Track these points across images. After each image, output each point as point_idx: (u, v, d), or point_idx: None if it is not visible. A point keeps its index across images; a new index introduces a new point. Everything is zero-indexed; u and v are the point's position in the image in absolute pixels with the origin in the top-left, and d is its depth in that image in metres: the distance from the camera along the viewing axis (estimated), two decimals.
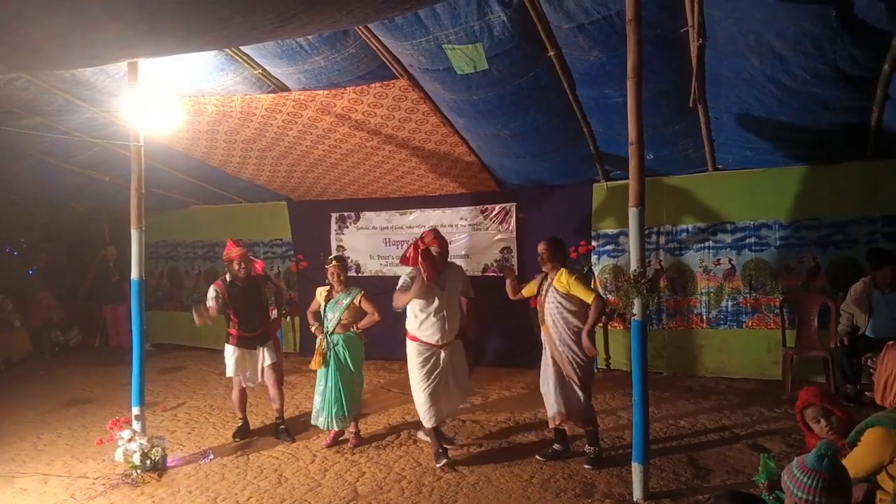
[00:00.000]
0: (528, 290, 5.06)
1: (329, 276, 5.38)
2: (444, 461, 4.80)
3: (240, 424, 5.74)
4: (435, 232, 5.01)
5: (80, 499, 4.48)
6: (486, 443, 5.31)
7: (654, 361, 7.08)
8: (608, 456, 4.85)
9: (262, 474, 4.82)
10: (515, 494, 4.30)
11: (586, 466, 4.66)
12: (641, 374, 3.99)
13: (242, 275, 5.51)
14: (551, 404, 4.78)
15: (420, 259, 4.78)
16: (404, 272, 5.03)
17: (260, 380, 5.68)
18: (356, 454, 5.14)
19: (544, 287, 4.85)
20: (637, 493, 4.05)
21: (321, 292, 5.48)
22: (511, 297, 5.19)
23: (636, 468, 4.05)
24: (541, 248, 4.83)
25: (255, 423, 5.98)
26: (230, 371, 5.59)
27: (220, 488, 4.58)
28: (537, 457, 4.91)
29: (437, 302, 4.86)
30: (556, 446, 4.95)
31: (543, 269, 4.86)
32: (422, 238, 4.93)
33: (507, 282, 5.18)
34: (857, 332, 5.83)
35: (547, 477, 4.53)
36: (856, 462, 2.73)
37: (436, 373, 4.91)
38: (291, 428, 5.76)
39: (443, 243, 4.96)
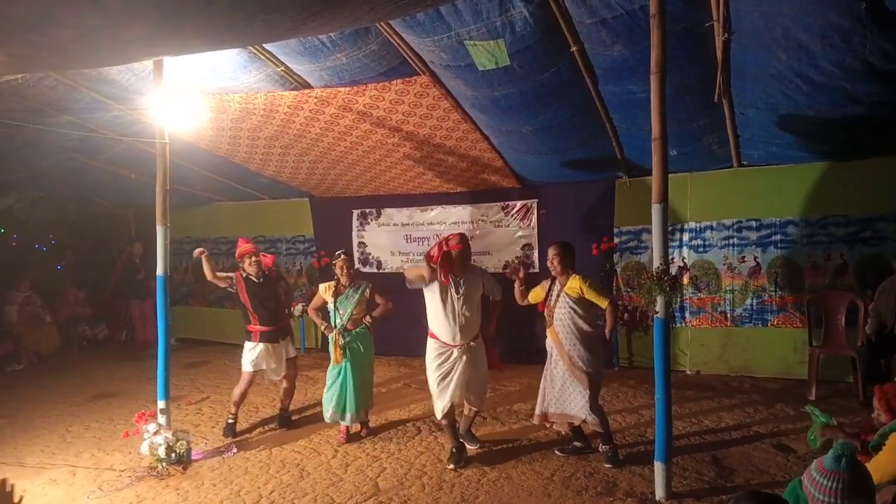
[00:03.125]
0: (535, 295, 5.00)
1: (337, 270, 5.45)
2: (453, 464, 4.79)
3: (231, 422, 5.69)
4: (461, 236, 4.94)
5: (106, 490, 4.56)
6: (507, 439, 5.30)
7: (677, 359, 7.02)
8: (628, 454, 4.83)
9: (285, 468, 4.86)
10: (536, 492, 4.29)
11: (607, 465, 4.64)
12: (664, 372, 3.96)
13: (254, 270, 5.64)
14: (540, 403, 4.90)
15: (440, 260, 4.80)
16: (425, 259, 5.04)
17: (285, 372, 5.75)
18: (377, 450, 5.17)
19: (553, 292, 4.85)
20: (659, 493, 4.02)
21: (326, 288, 5.52)
22: (519, 302, 5.05)
23: (658, 467, 4.02)
24: (551, 253, 4.81)
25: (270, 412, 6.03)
26: (248, 366, 5.62)
27: (244, 482, 4.64)
28: (556, 452, 4.92)
29: (450, 304, 4.84)
30: (575, 443, 4.95)
31: (554, 275, 4.85)
32: (447, 240, 4.90)
33: (516, 285, 5.00)
34: (885, 331, 5.71)
35: (568, 475, 4.52)
36: (880, 466, 2.67)
37: (445, 369, 4.89)
38: (311, 421, 5.87)
39: (465, 247, 4.89)
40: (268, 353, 5.65)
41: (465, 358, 4.88)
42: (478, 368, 4.98)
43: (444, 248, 4.83)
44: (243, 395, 5.72)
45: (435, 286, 4.83)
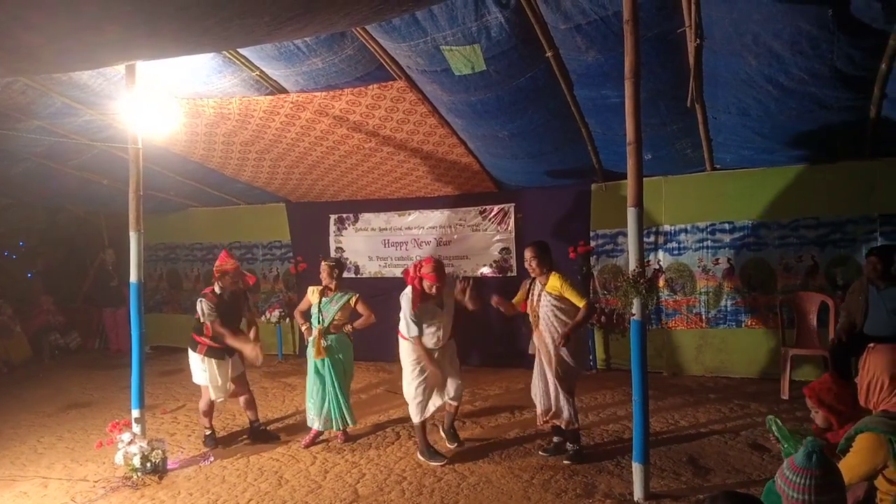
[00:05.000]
0: (519, 298, 5.05)
1: (322, 275, 5.45)
2: (443, 461, 4.87)
3: (208, 433, 5.56)
4: (434, 264, 4.85)
5: (80, 502, 4.48)
6: (486, 443, 5.31)
7: (653, 361, 7.07)
8: (607, 455, 4.86)
9: (263, 476, 4.81)
10: (516, 495, 4.30)
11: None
12: (641, 374, 4.00)
13: (233, 288, 5.45)
14: (541, 403, 4.93)
15: (414, 288, 4.85)
16: (402, 274, 5.08)
17: (229, 392, 5.53)
18: (356, 456, 5.14)
19: (535, 291, 4.88)
20: (638, 493, 4.05)
21: (313, 291, 5.52)
22: (510, 314, 5.12)
23: (636, 468, 4.05)
24: (528, 254, 4.81)
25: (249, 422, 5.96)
26: (202, 379, 5.41)
27: (221, 490, 4.58)
28: (540, 452, 4.96)
29: (435, 320, 4.95)
30: (556, 439, 5.01)
31: (533, 275, 4.88)
32: (420, 265, 4.87)
33: (503, 309, 5.02)
34: (854, 330, 5.82)
35: (548, 477, 4.54)
36: (849, 469, 2.71)
37: (429, 370, 4.93)
38: (291, 429, 5.81)
39: (440, 276, 4.80)
40: (212, 370, 5.39)
41: (442, 356, 5.02)
42: (453, 364, 5.12)
43: (418, 275, 4.83)
44: (211, 408, 5.53)
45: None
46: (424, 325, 4.92)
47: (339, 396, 5.37)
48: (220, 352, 5.39)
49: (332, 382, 5.35)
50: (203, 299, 5.33)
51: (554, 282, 4.72)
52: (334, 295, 5.44)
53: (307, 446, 5.37)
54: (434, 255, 7.38)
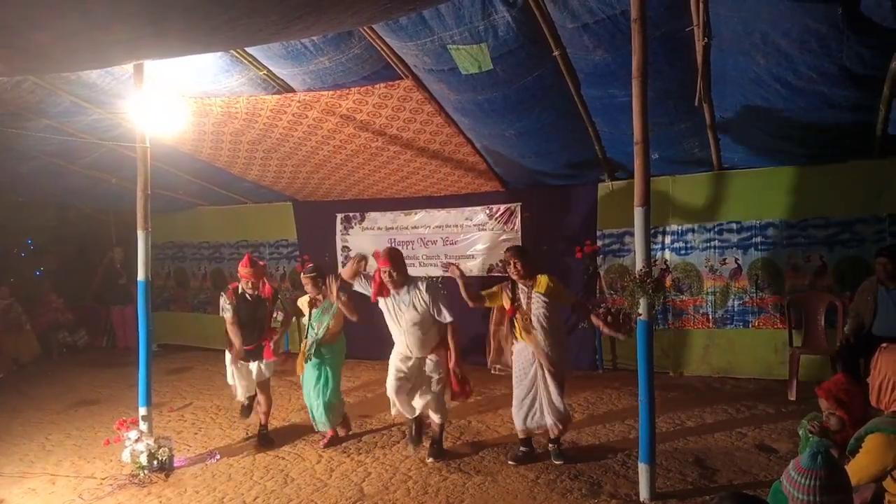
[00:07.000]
0: (494, 298, 4.93)
1: (308, 287, 5.36)
2: (412, 449, 4.98)
3: (245, 404, 5.66)
4: (387, 251, 4.74)
5: (87, 499, 4.50)
6: (491, 442, 5.30)
7: (660, 361, 7.05)
8: (612, 455, 4.85)
9: (269, 474, 4.83)
10: (522, 494, 4.29)
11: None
12: (647, 374, 3.99)
13: (254, 291, 5.37)
14: (549, 416, 4.73)
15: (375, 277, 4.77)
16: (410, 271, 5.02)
17: (253, 392, 5.54)
18: (362, 454, 5.15)
19: (522, 296, 4.77)
20: (643, 494, 4.04)
21: (304, 302, 5.49)
22: (471, 304, 4.91)
23: (642, 468, 4.04)
24: (512, 258, 4.74)
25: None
26: (230, 378, 5.51)
27: (227, 488, 4.60)
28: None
29: (395, 316, 4.78)
30: (522, 448, 4.90)
31: (515, 279, 4.77)
32: (377, 254, 4.79)
33: (461, 285, 4.82)
34: (863, 331, 5.79)
35: (553, 477, 4.53)
36: (858, 469, 2.70)
37: (404, 374, 4.83)
38: (298, 429, 5.84)
39: (392, 261, 4.66)
40: (237, 370, 5.41)
41: (423, 370, 4.86)
42: (435, 386, 4.88)
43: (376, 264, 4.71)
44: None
45: (383, 299, 4.79)
46: (390, 325, 4.86)
47: (323, 400, 5.31)
48: (246, 354, 5.37)
49: (322, 386, 5.33)
50: (224, 295, 5.35)
51: (543, 282, 4.71)
52: (324, 304, 5.35)
53: (325, 447, 5.33)
54: (450, 257, 7.50)
